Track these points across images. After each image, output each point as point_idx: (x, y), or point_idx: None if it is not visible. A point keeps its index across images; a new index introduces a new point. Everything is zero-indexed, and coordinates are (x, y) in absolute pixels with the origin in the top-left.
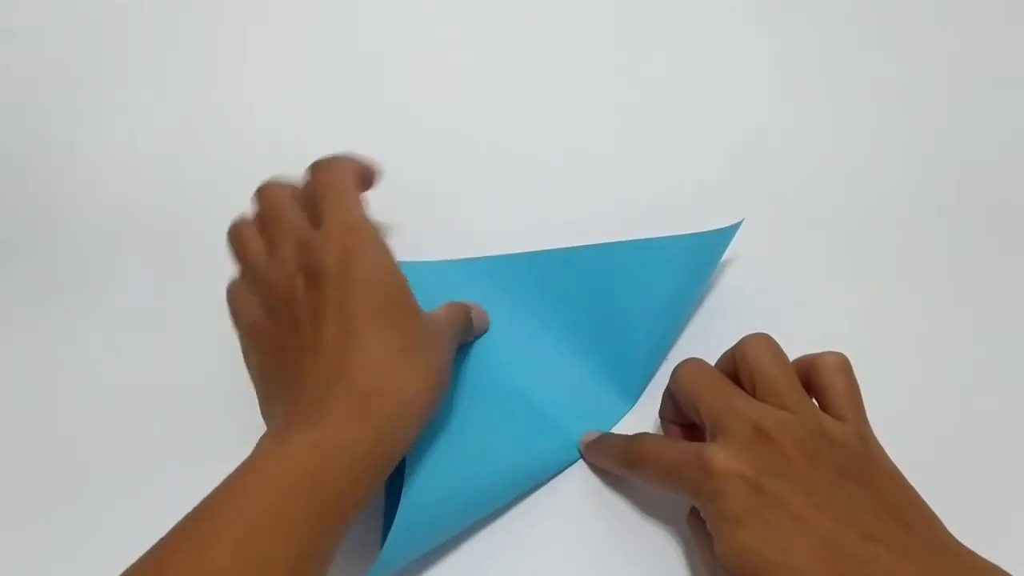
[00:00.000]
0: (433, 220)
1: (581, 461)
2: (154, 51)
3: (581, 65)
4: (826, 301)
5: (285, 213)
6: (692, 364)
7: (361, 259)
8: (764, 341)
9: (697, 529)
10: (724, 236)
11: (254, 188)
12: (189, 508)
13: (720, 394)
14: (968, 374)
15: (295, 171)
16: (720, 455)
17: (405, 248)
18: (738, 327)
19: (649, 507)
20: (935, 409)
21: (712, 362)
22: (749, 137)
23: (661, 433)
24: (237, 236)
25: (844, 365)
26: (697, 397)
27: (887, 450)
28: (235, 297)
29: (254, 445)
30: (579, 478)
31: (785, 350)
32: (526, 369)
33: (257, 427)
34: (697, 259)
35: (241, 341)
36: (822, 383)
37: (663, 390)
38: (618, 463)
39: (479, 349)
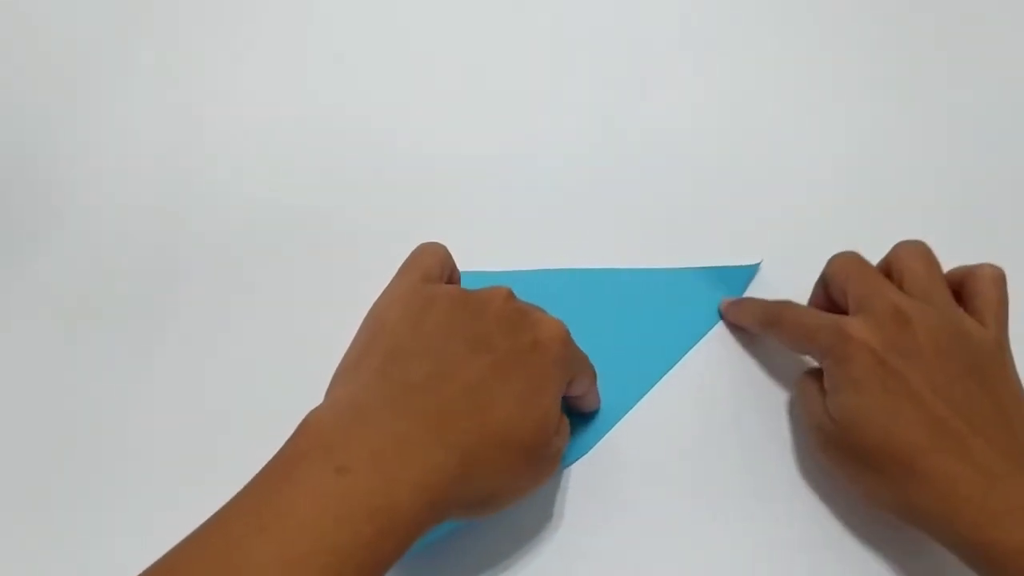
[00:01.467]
0: (432, 229)
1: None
2: (154, 51)
3: (585, 65)
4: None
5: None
6: (848, 254)
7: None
8: (918, 246)
9: (807, 390)
10: (742, 274)
11: (253, 188)
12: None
13: (870, 279)
14: None
15: (294, 170)
16: (856, 326)
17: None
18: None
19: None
20: None
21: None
22: (753, 138)
23: None
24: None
25: (999, 278)
26: (848, 279)
27: None
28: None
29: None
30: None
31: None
32: None
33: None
34: (710, 293)
35: (417, 293)
36: (974, 288)
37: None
38: (758, 321)
39: None
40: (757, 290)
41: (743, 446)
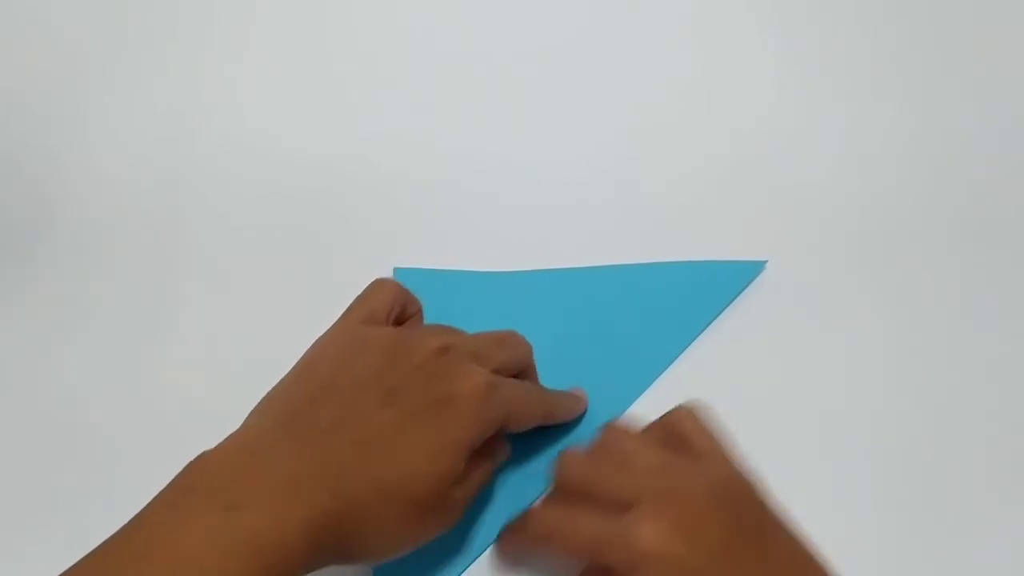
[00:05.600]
0: (432, 228)
1: None
2: (153, 51)
3: (586, 66)
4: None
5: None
6: (564, 458)
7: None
8: (610, 427)
9: None
10: (745, 270)
11: (253, 188)
12: None
13: (610, 467)
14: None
15: (293, 171)
16: (648, 535)
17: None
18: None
19: None
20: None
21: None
22: (757, 140)
23: None
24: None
25: (694, 415)
26: (592, 480)
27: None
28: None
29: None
30: None
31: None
32: None
33: None
34: (711, 287)
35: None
36: (682, 435)
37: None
38: (531, 544)
39: None
40: (759, 290)
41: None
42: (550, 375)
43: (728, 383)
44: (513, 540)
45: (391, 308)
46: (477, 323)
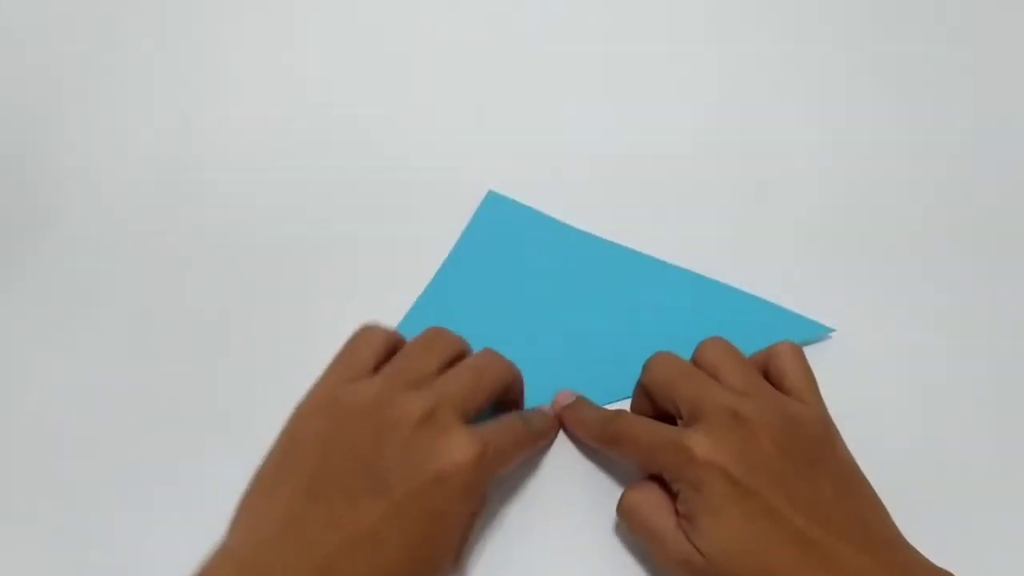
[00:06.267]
0: (431, 229)
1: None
2: (153, 51)
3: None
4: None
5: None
6: (663, 357)
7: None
8: (719, 342)
9: (659, 516)
10: (809, 329)
11: (251, 188)
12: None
13: (695, 381)
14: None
15: (295, 171)
16: (699, 441)
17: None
18: None
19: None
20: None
21: None
22: (760, 140)
23: None
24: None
25: (798, 351)
26: (673, 386)
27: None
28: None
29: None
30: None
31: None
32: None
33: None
34: (769, 331)
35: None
36: (781, 368)
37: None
38: (595, 438)
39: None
40: (759, 290)
41: None
42: (572, 346)
43: None
44: (575, 424)
45: (378, 356)
46: (540, 272)
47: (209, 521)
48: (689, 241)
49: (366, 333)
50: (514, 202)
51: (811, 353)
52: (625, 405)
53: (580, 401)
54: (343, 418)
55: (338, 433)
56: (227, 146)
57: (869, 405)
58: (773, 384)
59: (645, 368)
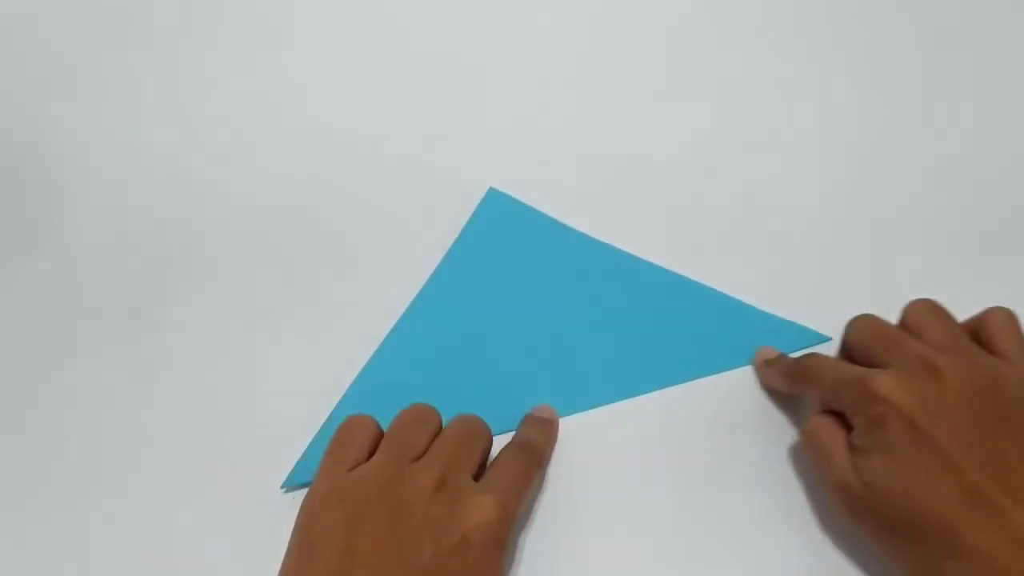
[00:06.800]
0: (430, 229)
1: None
2: (154, 51)
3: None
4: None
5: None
6: (865, 318)
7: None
8: (928, 303)
9: (830, 442)
10: (807, 337)
11: (251, 188)
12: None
13: (896, 337)
14: None
15: (292, 171)
16: (884, 381)
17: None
18: None
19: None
20: None
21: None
22: (758, 138)
23: None
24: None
25: (1013, 317)
26: (873, 342)
27: None
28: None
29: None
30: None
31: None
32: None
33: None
34: (766, 341)
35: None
36: (991, 333)
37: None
38: (786, 379)
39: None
40: (755, 295)
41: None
42: (568, 346)
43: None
44: (769, 373)
45: (371, 443)
46: (539, 271)
47: (210, 523)
48: (688, 244)
49: (354, 422)
50: (514, 200)
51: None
52: (624, 406)
53: (778, 355)
54: (357, 505)
55: (356, 521)
56: (226, 146)
57: None
58: (984, 348)
59: (847, 328)
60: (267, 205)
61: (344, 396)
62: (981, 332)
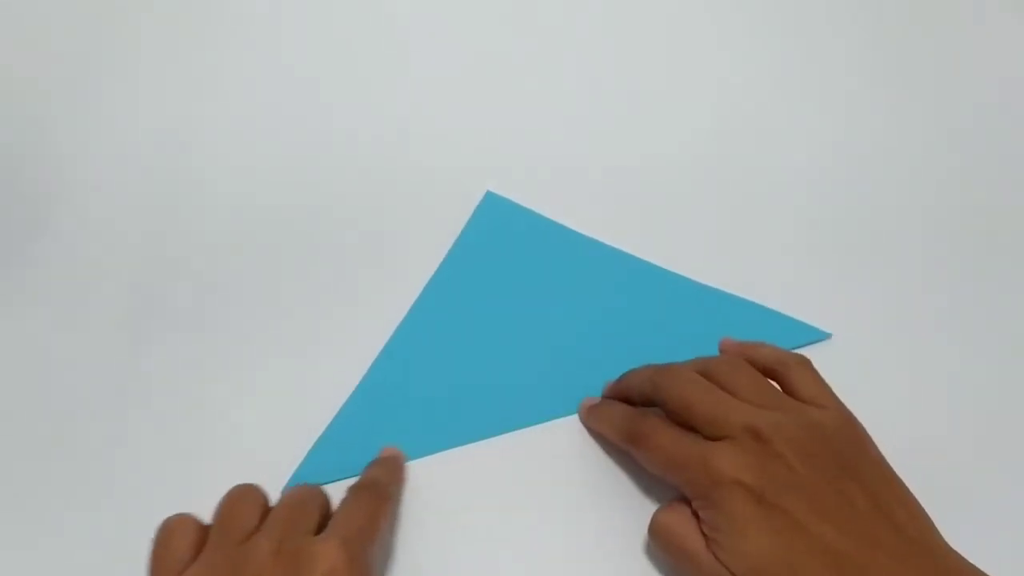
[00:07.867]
0: (431, 228)
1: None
2: (153, 51)
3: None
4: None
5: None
6: (677, 373)
7: None
8: (730, 359)
9: (687, 537)
10: (806, 333)
11: (250, 188)
12: None
13: (712, 397)
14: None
15: (289, 172)
16: (726, 462)
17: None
18: None
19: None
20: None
21: None
22: (755, 138)
23: None
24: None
25: (805, 360)
26: (690, 405)
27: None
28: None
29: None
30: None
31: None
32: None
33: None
34: (767, 337)
35: None
36: (792, 381)
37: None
38: (619, 437)
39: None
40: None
41: None
42: (567, 349)
43: None
44: (599, 428)
45: (195, 546)
46: (537, 274)
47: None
48: (687, 245)
49: (170, 527)
50: (512, 203)
51: (809, 357)
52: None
53: (603, 401)
54: None
55: None
56: (225, 146)
57: (866, 410)
58: (789, 395)
59: (657, 384)
60: (265, 208)
61: (347, 402)
62: (781, 380)
